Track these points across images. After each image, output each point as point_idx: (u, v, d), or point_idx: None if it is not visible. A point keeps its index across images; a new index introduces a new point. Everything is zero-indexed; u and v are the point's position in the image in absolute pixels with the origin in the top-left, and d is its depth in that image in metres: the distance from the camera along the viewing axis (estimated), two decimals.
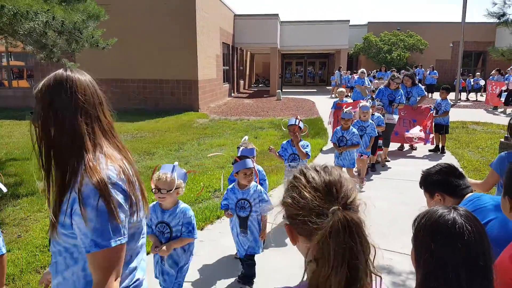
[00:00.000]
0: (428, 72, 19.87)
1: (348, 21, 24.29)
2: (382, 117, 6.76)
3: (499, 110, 14.66)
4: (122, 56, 14.12)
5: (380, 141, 7.04)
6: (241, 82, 25.72)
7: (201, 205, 5.19)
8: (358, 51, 26.58)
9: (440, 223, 1.24)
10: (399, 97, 7.27)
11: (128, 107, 14.65)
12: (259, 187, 3.30)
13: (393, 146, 8.05)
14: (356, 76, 13.86)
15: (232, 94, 22.00)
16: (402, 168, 7.04)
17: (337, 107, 8.35)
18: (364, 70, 12.44)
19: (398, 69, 22.29)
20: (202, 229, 4.55)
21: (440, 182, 2.13)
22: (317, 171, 1.04)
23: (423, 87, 8.73)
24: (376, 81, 12.88)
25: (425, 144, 8.14)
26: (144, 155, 7.90)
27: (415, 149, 8.40)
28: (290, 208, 1.01)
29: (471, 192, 2.13)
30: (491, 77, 16.27)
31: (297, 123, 4.48)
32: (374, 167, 6.97)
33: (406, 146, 8.53)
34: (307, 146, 4.50)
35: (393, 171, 6.95)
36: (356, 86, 11.79)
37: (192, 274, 3.52)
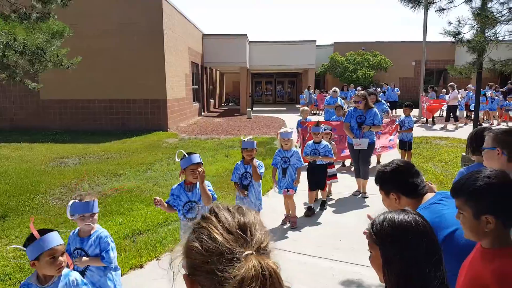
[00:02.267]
0: (390, 89, 20.35)
1: (315, 41, 25.01)
2: (329, 145, 5.78)
3: (439, 126, 14.95)
4: (88, 77, 13.81)
5: (331, 170, 6.22)
6: (211, 101, 25.72)
7: (170, 227, 5.07)
8: (324, 70, 27.32)
9: (405, 225, 1.31)
10: (371, 118, 6.27)
11: (94, 128, 14.29)
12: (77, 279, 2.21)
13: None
14: (327, 96, 13.95)
15: (202, 113, 21.93)
16: (368, 183, 7.13)
17: (301, 125, 8.41)
18: (336, 89, 11.79)
19: (364, 87, 23.02)
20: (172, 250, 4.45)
21: (395, 181, 2.05)
22: (230, 211, 0.93)
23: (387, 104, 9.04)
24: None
25: (389, 150, 8.33)
26: (111, 177, 7.67)
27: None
28: (196, 255, 0.86)
29: (427, 191, 2.06)
30: (441, 95, 17.23)
31: (201, 161, 3.43)
32: (324, 205, 5.85)
33: (373, 162, 8.70)
34: (209, 185, 3.44)
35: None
36: (326, 107, 11.42)
37: None
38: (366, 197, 6.31)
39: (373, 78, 25.73)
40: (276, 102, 34.63)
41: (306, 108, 8.98)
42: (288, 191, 5.09)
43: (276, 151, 5.16)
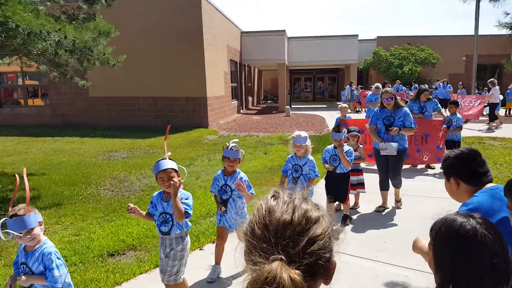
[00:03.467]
0: (441, 86, 19.04)
1: (357, 35, 24.46)
2: (353, 150, 5.09)
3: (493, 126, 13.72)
4: (133, 75, 14.38)
5: (358, 178, 5.55)
6: (250, 98, 25.91)
7: (212, 219, 5.21)
8: (367, 65, 26.67)
9: (461, 233, 1.23)
10: (401, 119, 5.31)
11: (140, 124, 14.88)
12: None
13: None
14: (368, 92, 13.37)
15: (241, 110, 22.16)
16: (415, 184, 6.85)
17: (340, 123, 8.11)
18: (379, 85, 10.85)
19: (407, 83, 22.23)
20: (213, 242, 4.61)
21: (456, 167, 2.05)
22: (284, 202, 0.87)
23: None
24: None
25: (437, 162, 7.77)
26: None
27: (433, 168, 8.02)
28: (243, 236, 0.87)
29: (491, 181, 2.02)
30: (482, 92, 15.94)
31: (173, 168, 2.93)
32: (347, 220, 5.07)
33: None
34: (187, 198, 3.01)
35: (405, 187, 6.32)
36: (368, 105, 10.65)
37: None
38: (400, 208, 5.58)
39: (420, 74, 24.74)
40: (316, 99, 34.29)
41: (344, 105, 8.53)
42: None
43: (288, 157, 4.51)
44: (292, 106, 24.34)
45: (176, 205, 2.82)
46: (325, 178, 5.05)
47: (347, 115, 8.38)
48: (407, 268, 3.83)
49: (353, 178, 5.40)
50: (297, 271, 0.76)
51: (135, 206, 2.97)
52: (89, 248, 4.33)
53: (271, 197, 0.89)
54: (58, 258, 2.43)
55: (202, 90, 14.72)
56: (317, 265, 0.80)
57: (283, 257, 0.77)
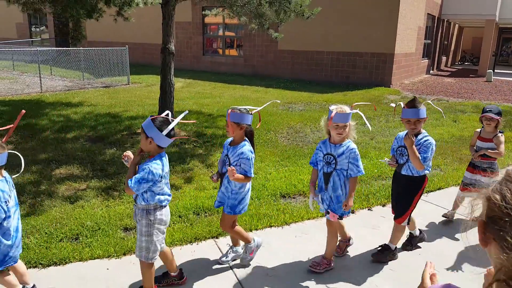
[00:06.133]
0: None
1: None
2: (488, 139, 3.83)
3: None
4: (320, 29, 14.39)
5: (486, 180, 3.71)
6: (443, 58, 22.92)
7: (384, 182, 4.98)
8: None
9: None
10: None
11: (319, 79, 15.08)
12: None
13: None
14: None
15: (431, 71, 19.87)
16: None
17: None
18: None
19: None
20: (383, 205, 4.44)
21: None
22: None
23: None
24: None
25: None
26: None
27: None
28: (494, 207, 0.79)
29: None
30: None
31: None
32: (410, 243, 3.50)
33: None
34: (144, 169, 2.44)
35: None
36: None
37: None
38: None
39: None
40: None
41: None
42: (327, 212, 3.10)
43: (319, 142, 3.25)
44: (496, 70, 20.43)
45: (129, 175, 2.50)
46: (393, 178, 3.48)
47: None
48: None
49: (485, 180, 3.67)
50: None
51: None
52: (264, 187, 4.75)
53: None
54: None
55: (390, 46, 13.69)
56: None
57: None
